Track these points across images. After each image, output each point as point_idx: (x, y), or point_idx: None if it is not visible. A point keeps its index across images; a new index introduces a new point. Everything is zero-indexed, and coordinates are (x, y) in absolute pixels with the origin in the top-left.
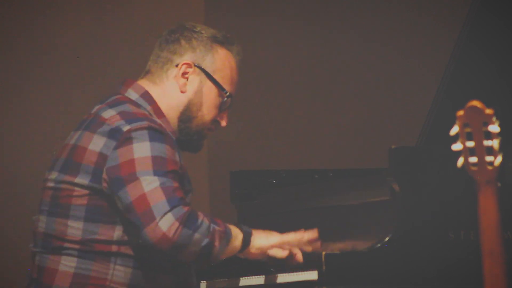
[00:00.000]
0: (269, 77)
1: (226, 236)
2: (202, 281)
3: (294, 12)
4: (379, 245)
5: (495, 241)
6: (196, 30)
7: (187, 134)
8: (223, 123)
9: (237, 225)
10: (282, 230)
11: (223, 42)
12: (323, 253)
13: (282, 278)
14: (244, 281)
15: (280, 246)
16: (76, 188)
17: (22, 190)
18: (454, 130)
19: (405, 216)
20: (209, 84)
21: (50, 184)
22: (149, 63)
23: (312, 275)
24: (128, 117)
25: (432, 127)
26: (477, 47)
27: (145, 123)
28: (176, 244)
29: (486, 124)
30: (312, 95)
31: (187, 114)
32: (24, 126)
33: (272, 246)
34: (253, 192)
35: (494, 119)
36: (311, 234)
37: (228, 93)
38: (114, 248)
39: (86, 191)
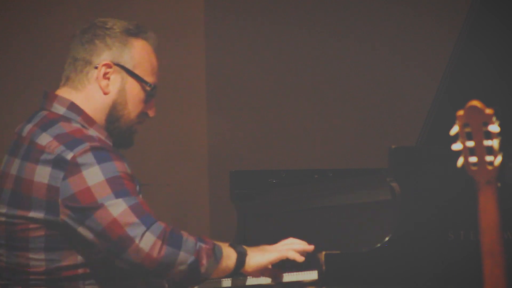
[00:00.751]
0: (269, 77)
1: (215, 254)
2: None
3: (294, 12)
4: (379, 245)
5: (495, 241)
6: (107, 26)
7: (117, 133)
8: (151, 113)
9: (232, 245)
10: (282, 230)
11: (137, 33)
12: (323, 253)
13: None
14: (243, 281)
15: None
16: (31, 222)
17: None
18: (454, 130)
19: (405, 216)
20: (130, 80)
21: (2, 219)
22: (66, 67)
23: (312, 275)
24: (67, 141)
25: (432, 127)
26: (477, 47)
27: (87, 146)
28: (161, 263)
29: (486, 124)
30: (312, 95)
31: (113, 114)
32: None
33: (270, 263)
34: (253, 192)
35: (494, 119)
36: (307, 247)
37: (151, 85)
38: (80, 271)
39: (42, 224)
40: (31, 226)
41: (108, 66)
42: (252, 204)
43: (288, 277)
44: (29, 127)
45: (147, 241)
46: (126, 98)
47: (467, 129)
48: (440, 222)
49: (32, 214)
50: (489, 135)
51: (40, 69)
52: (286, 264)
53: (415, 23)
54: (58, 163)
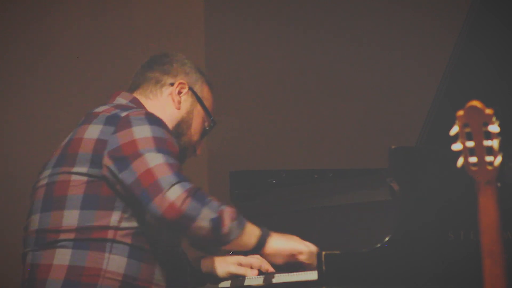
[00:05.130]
0: (269, 77)
1: (239, 221)
2: None
3: (294, 12)
4: (379, 245)
5: (495, 241)
6: (185, 60)
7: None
8: (199, 152)
9: (259, 225)
10: (282, 230)
11: (205, 76)
12: (323, 253)
13: (282, 278)
14: (243, 281)
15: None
16: (73, 177)
17: (23, 190)
18: (454, 130)
19: (405, 216)
20: (198, 107)
21: (43, 182)
22: (136, 81)
23: (312, 275)
24: (124, 107)
25: (432, 127)
26: (477, 47)
27: (142, 110)
28: (184, 214)
29: (486, 124)
30: (312, 95)
31: (177, 131)
32: (24, 126)
33: (290, 251)
34: (253, 192)
35: (494, 119)
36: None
37: (213, 120)
38: (110, 234)
39: (84, 179)
40: (72, 182)
41: (184, 85)
42: (252, 204)
43: (288, 277)
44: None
45: (173, 192)
46: (192, 120)
47: (467, 129)
48: (440, 222)
49: (75, 169)
50: (489, 135)
51: (40, 69)
52: (287, 264)
53: (415, 23)
54: (111, 120)
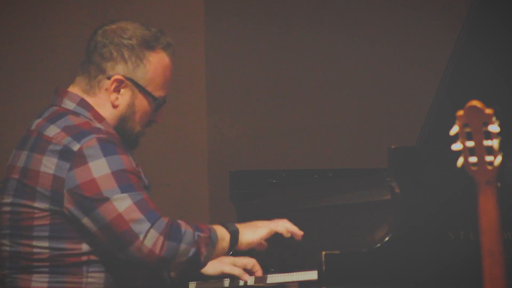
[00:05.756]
0: (269, 77)
1: (212, 241)
2: (201, 281)
3: (294, 12)
4: (379, 245)
5: (495, 241)
6: (126, 36)
7: (123, 138)
8: (159, 120)
9: (223, 224)
10: None
11: (155, 45)
12: (323, 253)
13: (282, 278)
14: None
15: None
16: (36, 211)
17: None
18: (454, 130)
19: (405, 216)
20: (140, 96)
21: (7, 208)
22: (81, 66)
23: (312, 275)
24: (74, 132)
25: (432, 127)
26: (477, 47)
27: (93, 137)
28: (163, 258)
29: (486, 124)
30: (312, 95)
31: (120, 127)
32: (24, 126)
33: (261, 239)
34: (253, 192)
35: (494, 119)
36: (296, 229)
37: (159, 100)
38: (84, 258)
39: (47, 213)
40: (36, 215)
41: (120, 81)
42: (252, 204)
43: (288, 277)
44: (38, 121)
45: (151, 238)
46: (134, 111)
47: (467, 129)
48: (440, 222)
49: (37, 204)
50: (489, 135)
51: (40, 68)
52: (287, 264)
53: (415, 23)
54: (65, 154)
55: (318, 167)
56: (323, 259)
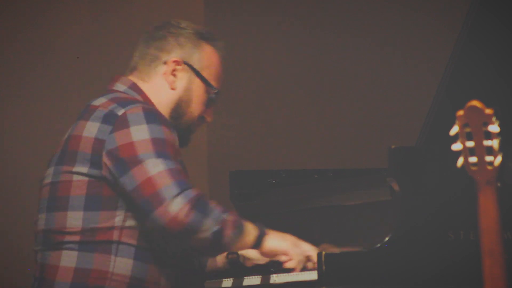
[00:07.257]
0: (269, 76)
1: (239, 227)
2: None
3: (294, 11)
4: (379, 245)
5: (495, 241)
6: (181, 26)
7: (177, 130)
8: (209, 119)
9: (255, 223)
10: (282, 230)
11: (209, 38)
12: (323, 253)
13: (282, 278)
14: (243, 281)
15: (288, 252)
16: (75, 177)
17: (23, 190)
18: (454, 130)
19: (405, 216)
20: (197, 81)
21: (48, 180)
22: (135, 59)
23: (312, 275)
24: (121, 101)
25: (432, 127)
26: (477, 47)
27: (139, 105)
28: (186, 227)
29: (486, 124)
30: (312, 95)
31: (177, 111)
32: (24, 126)
33: (283, 252)
34: (253, 192)
35: (494, 119)
36: (313, 263)
37: (216, 90)
38: (115, 235)
39: (85, 179)
40: (74, 182)
41: (177, 63)
42: (252, 204)
43: (288, 277)
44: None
45: (176, 204)
46: (191, 97)
47: (467, 129)
48: (440, 222)
49: (76, 168)
50: (489, 135)
51: (40, 68)
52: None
53: (415, 23)
54: (108, 118)
55: (318, 167)
56: (323, 259)
